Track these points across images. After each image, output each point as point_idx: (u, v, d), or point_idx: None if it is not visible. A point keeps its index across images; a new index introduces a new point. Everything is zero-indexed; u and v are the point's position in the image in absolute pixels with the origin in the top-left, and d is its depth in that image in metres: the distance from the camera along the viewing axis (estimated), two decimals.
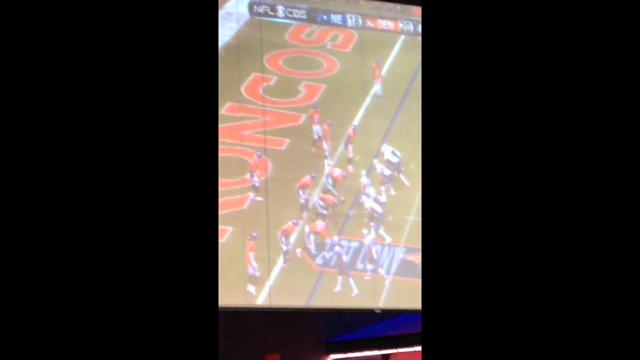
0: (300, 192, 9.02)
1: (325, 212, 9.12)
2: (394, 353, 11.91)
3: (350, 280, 8.92)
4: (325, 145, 9.32)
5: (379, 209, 9.27)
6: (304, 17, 9.67)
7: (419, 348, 11.51)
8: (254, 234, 8.65)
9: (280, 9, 9.51)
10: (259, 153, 8.92)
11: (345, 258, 8.99)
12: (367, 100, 9.75)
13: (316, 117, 9.31)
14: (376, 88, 9.80)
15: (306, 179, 9.03)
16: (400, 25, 10.11)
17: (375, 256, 9.11)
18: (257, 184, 8.83)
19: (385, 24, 10.02)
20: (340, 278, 8.89)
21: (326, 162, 9.30)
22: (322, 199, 9.10)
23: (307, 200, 9.04)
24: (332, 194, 9.19)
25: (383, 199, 9.33)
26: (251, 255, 8.62)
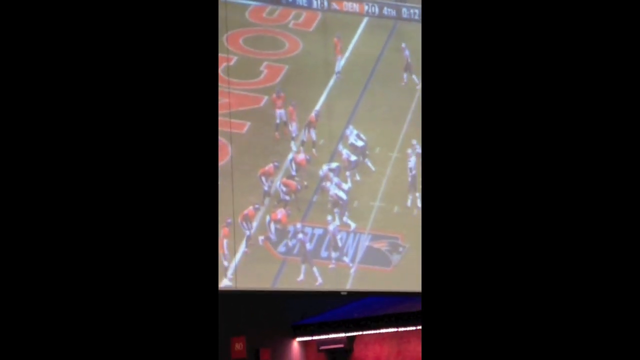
0: (263, 178, 8.78)
1: (288, 197, 8.91)
2: (359, 335, 12.15)
3: (314, 268, 8.75)
4: (289, 129, 9.12)
5: (343, 195, 9.09)
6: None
7: (384, 330, 11.93)
8: (228, 220, 8.41)
9: None
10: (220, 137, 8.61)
11: (308, 246, 8.82)
12: (331, 82, 9.52)
13: (279, 102, 9.05)
14: (339, 65, 9.57)
15: (269, 167, 8.83)
16: (366, 7, 9.89)
17: (339, 244, 8.95)
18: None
19: (351, 5, 9.76)
20: (303, 267, 8.72)
21: (291, 144, 9.09)
22: (285, 184, 8.87)
23: (269, 187, 8.82)
24: (295, 180, 8.96)
25: (348, 184, 9.15)
26: (225, 242, 8.42)
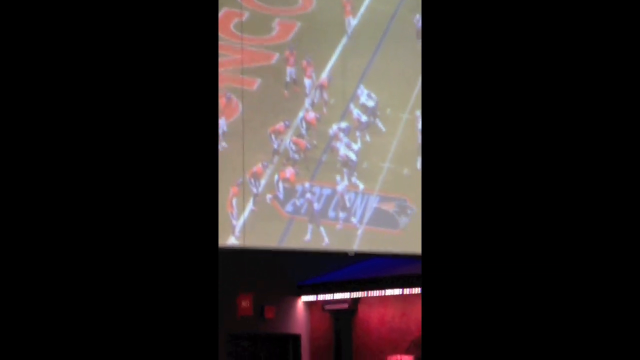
0: (273, 136, 8.71)
1: (297, 156, 8.83)
2: (364, 296, 12.03)
3: (321, 228, 8.68)
4: (301, 86, 9.00)
5: (353, 155, 9.00)
6: None
7: (388, 291, 11.73)
8: (239, 180, 8.34)
9: None
10: (228, 95, 8.53)
11: (316, 206, 8.74)
12: (344, 40, 9.35)
13: (292, 59, 8.91)
14: (351, 24, 9.42)
15: (279, 125, 8.73)
16: None
17: (347, 204, 8.87)
18: (226, 128, 8.48)
19: None
20: (310, 226, 8.66)
21: (304, 102, 8.99)
22: (295, 142, 8.78)
23: (279, 145, 8.74)
24: (305, 138, 8.88)
25: (358, 145, 9.05)
26: (234, 201, 8.35)
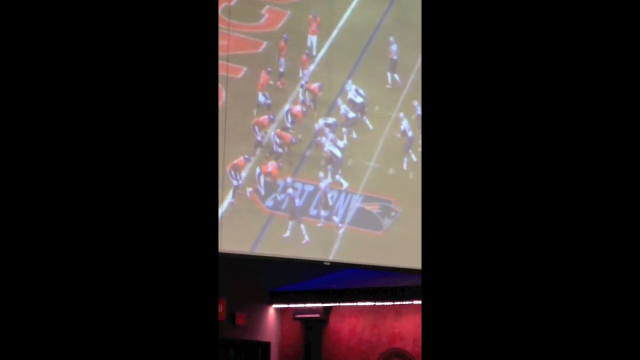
0: (257, 128, 8.46)
1: (280, 150, 8.58)
2: (336, 306, 12.07)
3: (302, 226, 8.42)
4: (290, 78, 8.84)
5: (338, 152, 8.80)
6: None
7: (360, 303, 11.86)
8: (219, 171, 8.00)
9: None
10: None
11: (297, 202, 8.49)
12: (334, 32, 9.21)
13: (285, 50, 8.74)
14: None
15: (263, 117, 8.52)
16: None
17: (330, 202, 8.64)
18: None
19: None
20: (290, 223, 8.39)
21: (291, 94, 8.80)
22: (279, 135, 8.54)
23: (262, 138, 8.51)
24: (290, 132, 8.65)
25: (344, 142, 8.85)
26: None
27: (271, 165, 8.41)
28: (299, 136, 8.64)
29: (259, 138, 8.40)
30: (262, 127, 8.46)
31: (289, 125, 8.60)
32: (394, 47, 9.33)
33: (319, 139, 8.72)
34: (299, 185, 8.56)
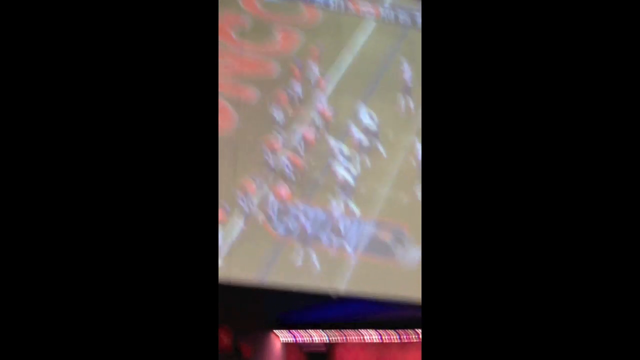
0: (269, 151, 8.37)
1: (292, 176, 8.48)
2: (342, 340, 12.13)
3: (313, 255, 8.32)
4: (304, 102, 8.82)
5: (350, 179, 8.71)
6: None
7: (367, 337, 11.85)
8: (227, 207, 8.00)
9: None
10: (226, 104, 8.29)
11: (309, 229, 8.35)
12: (349, 58, 9.21)
13: (298, 73, 8.75)
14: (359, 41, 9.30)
15: (276, 140, 8.44)
16: (381, 10, 9.90)
17: (342, 230, 8.50)
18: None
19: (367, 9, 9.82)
20: (302, 251, 8.26)
21: (304, 118, 8.74)
22: (291, 160, 8.42)
23: (274, 162, 8.42)
24: (302, 157, 8.55)
25: (357, 168, 8.77)
26: (220, 228, 7.97)
27: (283, 190, 8.33)
28: (312, 162, 8.61)
29: (270, 162, 8.34)
30: (274, 150, 8.38)
31: (300, 150, 8.57)
32: (408, 74, 9.37)
33: (331, 164, 8.69)
34: (310, 212, 8.48)
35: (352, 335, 12.01)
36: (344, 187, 8.62)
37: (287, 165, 8.41)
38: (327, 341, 12.23)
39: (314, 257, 8.30)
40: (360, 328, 11.81)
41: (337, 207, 8.47)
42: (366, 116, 8.96)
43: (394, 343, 11.70)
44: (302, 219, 8.30)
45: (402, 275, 8.86)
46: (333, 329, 12.05)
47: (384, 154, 8.86)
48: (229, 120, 8.20)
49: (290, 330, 12.33)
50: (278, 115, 8.54)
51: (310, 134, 8.58)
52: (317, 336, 12.14)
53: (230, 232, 7.94)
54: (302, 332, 12.26)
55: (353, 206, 8.63)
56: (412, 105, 9.24)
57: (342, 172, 8.67)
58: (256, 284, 8.39)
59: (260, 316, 11.98)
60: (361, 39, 9.34)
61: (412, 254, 8.88)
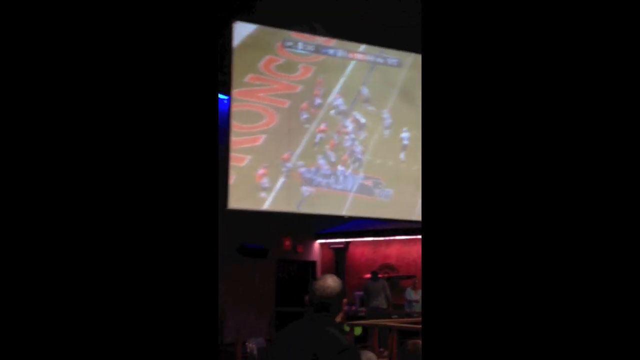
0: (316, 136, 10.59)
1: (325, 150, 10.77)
2: (352, 241, 15.96)
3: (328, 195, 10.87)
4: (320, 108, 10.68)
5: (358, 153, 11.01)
6: (312, 50, 11.44)
7: (366, 238, 15.52)
8: (265, 165, 10.39)
9: (300, 44, 11.36)
10: (269, 109, 10.67)
11: (324, 182, 10.95)
12: (362, 88, 11.30)
13: (319, 91, 10.99)
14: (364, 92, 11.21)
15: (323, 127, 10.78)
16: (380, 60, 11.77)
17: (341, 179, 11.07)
18: (267, 127, 10.77)
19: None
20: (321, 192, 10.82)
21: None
22: (324, 135, 10.75)
23: (310, 137, 10.65)
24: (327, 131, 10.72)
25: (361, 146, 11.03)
26: (264, 178, 10.34)
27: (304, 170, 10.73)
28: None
29: (306, 138, 10.55)
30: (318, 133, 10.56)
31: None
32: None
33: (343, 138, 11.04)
34: (327, 172, 11.04)
35: (357, 238, 15.37)
36: (352, 155, 11.14)
37: (319, 137, 10.61)
38: (344, 242, 15.65)
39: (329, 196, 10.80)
40: (362, 234, 15.28)
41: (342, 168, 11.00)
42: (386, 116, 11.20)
43: (381, 241, 15.15)
44: (321, 179, 10.84)
45: (379, 205, 11.30)
46: (346, 235, 15.39)
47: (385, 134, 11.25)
48: (273, 119, 10.68)
49: (324, 237, 15.66)
50: (303, 115, 10.90)
51: (323, 127, 10.91)
52: (339, 239, 15.56)
53: (277, 183, 10.51)
54: (330, 237, 15.64)
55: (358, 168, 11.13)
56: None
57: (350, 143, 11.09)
58: (304, 212, 10.83)
59: (308, 230, 15.47)
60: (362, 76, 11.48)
61: (386, 193, 11.33)
